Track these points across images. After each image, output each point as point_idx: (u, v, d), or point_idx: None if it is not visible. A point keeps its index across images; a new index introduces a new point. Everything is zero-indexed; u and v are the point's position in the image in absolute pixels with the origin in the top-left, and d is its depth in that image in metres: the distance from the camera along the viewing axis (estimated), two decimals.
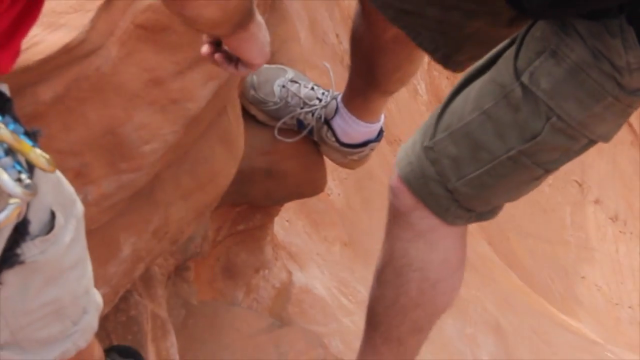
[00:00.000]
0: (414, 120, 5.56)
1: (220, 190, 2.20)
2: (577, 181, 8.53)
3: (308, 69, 3.02)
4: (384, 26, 2.34)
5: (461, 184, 2.04)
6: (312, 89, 2.71)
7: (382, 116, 2.73)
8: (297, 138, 2.72)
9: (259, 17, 1.57)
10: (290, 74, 2.72)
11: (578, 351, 4.41)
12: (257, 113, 2.71)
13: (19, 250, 1.39)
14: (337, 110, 2.67)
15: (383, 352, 2.24)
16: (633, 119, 10.54)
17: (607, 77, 1.93)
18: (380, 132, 2.74)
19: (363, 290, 3.45)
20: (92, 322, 1.61)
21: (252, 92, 2.67)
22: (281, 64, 2.77)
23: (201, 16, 1.39)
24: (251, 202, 2.81)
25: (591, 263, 7.78)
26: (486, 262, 4.96)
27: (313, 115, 2.69)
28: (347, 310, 3.18)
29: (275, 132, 2.70)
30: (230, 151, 2.22)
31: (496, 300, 4.24)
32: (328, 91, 2.71)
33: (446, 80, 6.41)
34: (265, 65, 2.72)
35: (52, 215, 1.43)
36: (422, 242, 2.12)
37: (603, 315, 7.48)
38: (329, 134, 2.69)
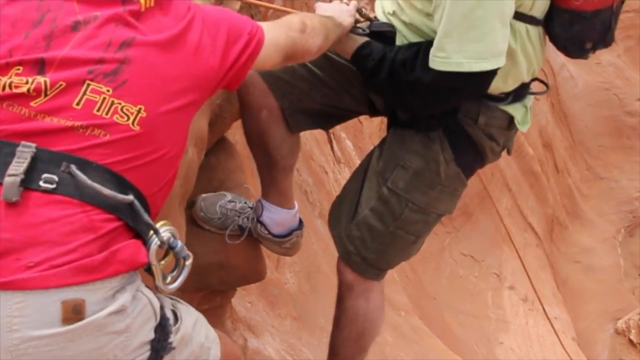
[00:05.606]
0: None
1: None
2: (496, 273, 8.42)
3: None
4: (258, 107, 2.42)
5: (368, 253, 2.35)
6: (245, 202, 2.66)
7: (296, 204, 2.65)
8: (241, 239, 2.66)
9: None
10: (229, 197, 2.67)
11: None
12: (207, 227, 2.66)
13: (170, 340, 1.49)
14: (263, 207, 2.61)
15: None
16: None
17: (435, 173, 2.27)
18: (301, 222, 2.68)
19: (307, 352, 3.34)
20: (216, 353, 1.65)
21: (201, 213, 2.64)
22: (229, 187, 2.73)
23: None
24: (210, 288, 2.74)
25: (507, 332, 7.60)
26: (417, 331, 4.83)
27: (248, 219, 2.64)
28: None
29: (226, 238, 2.65)
30: None
31: (417, 357, 4.11)
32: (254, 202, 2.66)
33: None
34: (210, 194, 2.67)
35: (173, 309, 1.57)
36: (362, 298, 2.40)
37: None
38: (262, 229, 2.62)
